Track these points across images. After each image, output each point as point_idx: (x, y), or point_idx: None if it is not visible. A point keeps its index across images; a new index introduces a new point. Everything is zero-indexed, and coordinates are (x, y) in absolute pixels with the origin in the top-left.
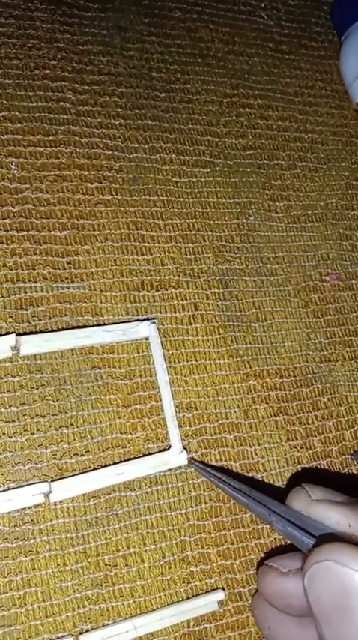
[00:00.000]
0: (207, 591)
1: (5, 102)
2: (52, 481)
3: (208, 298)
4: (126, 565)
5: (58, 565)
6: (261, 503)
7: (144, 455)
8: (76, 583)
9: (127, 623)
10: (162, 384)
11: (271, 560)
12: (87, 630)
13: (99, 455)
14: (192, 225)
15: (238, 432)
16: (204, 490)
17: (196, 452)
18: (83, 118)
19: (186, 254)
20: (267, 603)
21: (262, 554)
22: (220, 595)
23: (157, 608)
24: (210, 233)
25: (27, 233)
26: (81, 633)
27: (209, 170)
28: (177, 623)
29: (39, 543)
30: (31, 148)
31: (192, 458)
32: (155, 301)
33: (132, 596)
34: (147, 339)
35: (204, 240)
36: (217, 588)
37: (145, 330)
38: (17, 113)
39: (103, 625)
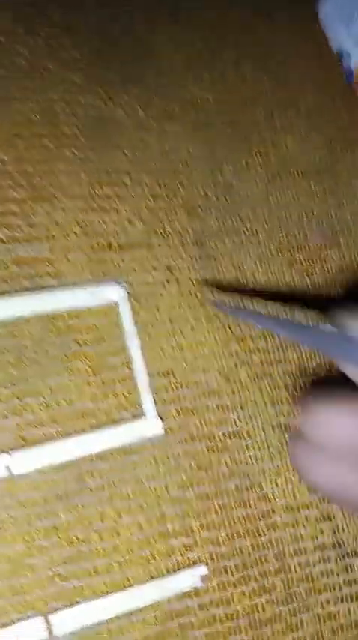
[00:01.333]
0: (189, 566)
1: None
2: (15, 453)
3: (183, 259)
4: (101, 540)
5: (26, 541)
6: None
7: (117, 423)
8: (46, 560)
9: (102, 600)
10: (133, 349)
11: (315, 390)
12: (59, 609)
13: (67, 425)
14: (162, 182)
15: (219, 398)
16: (184, 458)
17: (174, 419)
18: (40, 72)
19: (157, 213)
20: (314, 450)
21: (249, 525)
22: (202, 569)
23: (135, 584)
24: (182, 191)
25: None
26: (52, 612)
27: (179, 125)
28: (157, 601)
29: (4, 519)
30: None
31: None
32: (124, 263)
33: (108, 572)
34: (116, 302)
35: (176, 198)
36: (200, 562)
37: (113, 293)
38: None
39: (76, 603)
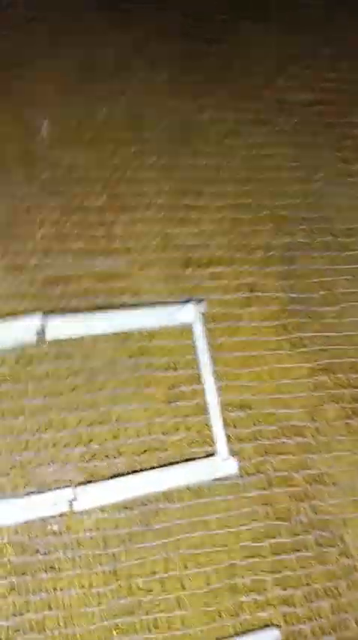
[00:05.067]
0: (260, 627)
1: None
2: (77, 487)
3: (267, 277)
4: (164, 591)
5: (83, 587)
6: None
7: (188, 460)
8: (104, 609)
9: None
10: (207, 377)
11: None
12: None
13: (134, 458)
14: (247, 192)
15: (302, 437)
16: (260, 505)
17: (250, 459)
18: (125, 72)
19: (241, 226)
20: None
21: (328, 584)
22: (275, 634)
23: None
24: (269, 201)
25: (57, 202)
26: None
27: (268, 129)
28: None
29: (62, 559)
30: (65, 109)
31: None
32: (203, 281)
33: (169, 628)
34: (191, 323)
35: (263, 210)
36: (271, 624)
37: (189, 313)
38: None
39: None
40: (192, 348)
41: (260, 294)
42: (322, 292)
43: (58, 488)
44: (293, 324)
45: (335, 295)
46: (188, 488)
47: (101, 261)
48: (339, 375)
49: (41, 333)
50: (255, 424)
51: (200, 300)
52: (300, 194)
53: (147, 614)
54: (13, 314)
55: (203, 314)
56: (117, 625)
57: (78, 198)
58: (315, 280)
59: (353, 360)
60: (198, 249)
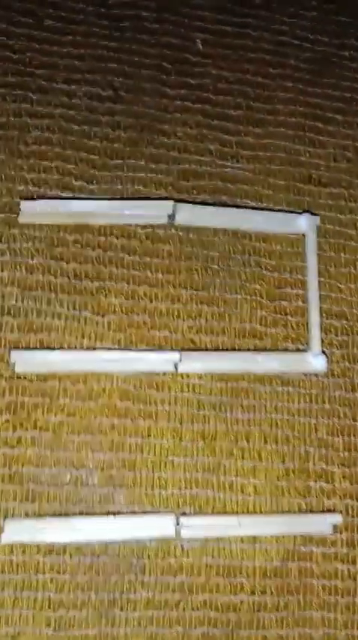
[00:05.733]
0: (323, 511)
1: None
2: (183, 351)
3: None
4: (243, 458)
5: (174, 438)
6: None
7: (281, 352)
8: (188, 462)
9: (230, 518)
10: (311, 284)
11: None
12: (188, 514)
13: (234, 340)
14: None
15: None
16: (341, 405)
17: (338, 363)
18: (274, 5)
19: None
20: None
21: None
22: (337, 518)
23: (265, 512)
24: None
25: (201, 106)
26: (181, 515)
27: None
28: (284, 536)
29: (159, 411)
30: (218, 26)
31: None
32: (320, 198)
33: (243, 492)
34: (304, 234)
35: None
36: (335, 511)
37: (304, 224)
38: None
39: (206, 513)
40: (302, 255)
41: None
42: None
43: (166, 350)
44: None
45: None
46: (278, 375)
47: (231, 164)
48: None
49: (171, 217)
50: (348, 334)
51: (315, 214)
52: None
53: (225, 475)
54: (148, 198)
55: (317, 227)
56: (198, 479)
57: (219, 106)
58: None
59: None
60: (320, 169)
